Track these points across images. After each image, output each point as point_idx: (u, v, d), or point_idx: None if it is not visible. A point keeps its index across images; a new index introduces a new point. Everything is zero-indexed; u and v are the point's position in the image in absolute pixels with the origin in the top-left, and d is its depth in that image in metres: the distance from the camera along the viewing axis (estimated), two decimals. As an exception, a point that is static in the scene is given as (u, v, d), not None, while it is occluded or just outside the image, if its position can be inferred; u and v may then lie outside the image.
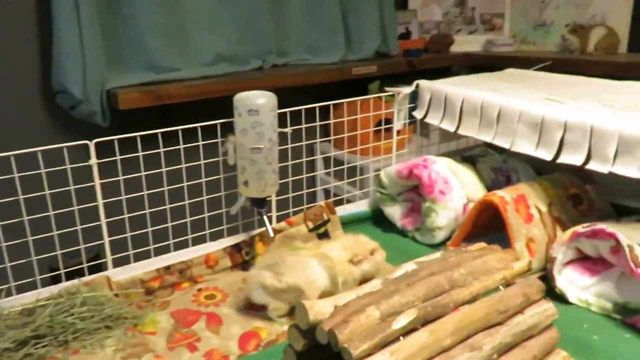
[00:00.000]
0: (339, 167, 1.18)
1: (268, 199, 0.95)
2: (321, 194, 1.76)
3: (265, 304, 0.77)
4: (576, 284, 0.80)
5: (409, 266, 0.55)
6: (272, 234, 0.94)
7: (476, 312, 0.49)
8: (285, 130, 0.96)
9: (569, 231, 0.79)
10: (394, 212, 1.06)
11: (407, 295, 0.48)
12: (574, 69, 1.65)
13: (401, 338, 0.46)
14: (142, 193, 0.90)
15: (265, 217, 0.94)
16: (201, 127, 0.91)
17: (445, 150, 1.29)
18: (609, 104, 0.91)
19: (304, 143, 1.07)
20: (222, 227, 0.99)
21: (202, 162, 0.94)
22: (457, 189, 0.98)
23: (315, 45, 1.90)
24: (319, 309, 0.49)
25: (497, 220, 0.87)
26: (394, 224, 1.06)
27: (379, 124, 1.32)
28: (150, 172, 0.90)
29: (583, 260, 0.82)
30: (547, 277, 0.81)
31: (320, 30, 1.89)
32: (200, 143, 0.92)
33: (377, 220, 1.10)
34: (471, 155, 1.11)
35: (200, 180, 0.95)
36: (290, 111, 0.99)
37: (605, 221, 0.85)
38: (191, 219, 0.96)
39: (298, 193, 1.10)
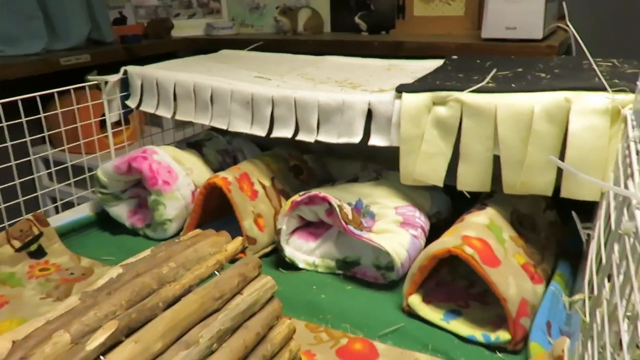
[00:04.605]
0: (49, 170, 1.03)
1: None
2: (47, 203, 1.53)
3: None
4: (302, 249, 0.84)
5: (115, 271, 0.49)
6: (-39, 265, 0.77)
7: (189, 305, 0.46)
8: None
9: (289, 201, 0.82)
10: (121, 211, 0.97)
11: (106, 307, 0.42)
12: (288, 49, 1.74)
13: (102, 358, 0.40)
14: None
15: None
16: None
17: (181, 137, 1.23)
18: (310, 78, 0.97)
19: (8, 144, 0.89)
20: None
21: None
22: (183, 177, 0.94)
23: (10, 35, 1.62)
24: (-7, 351, 0.39)
25: (227, 202, 0.86)
26: (123, 224, 0.97)
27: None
28: None
29: (307, 226, 0.87)
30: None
31: (12, 17, 1.62)
32: None
33: (104, 223, 1.00)
34: (197, 140, 1.09)
35: None
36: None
37: (322, 187, 0.91)
38: None
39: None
